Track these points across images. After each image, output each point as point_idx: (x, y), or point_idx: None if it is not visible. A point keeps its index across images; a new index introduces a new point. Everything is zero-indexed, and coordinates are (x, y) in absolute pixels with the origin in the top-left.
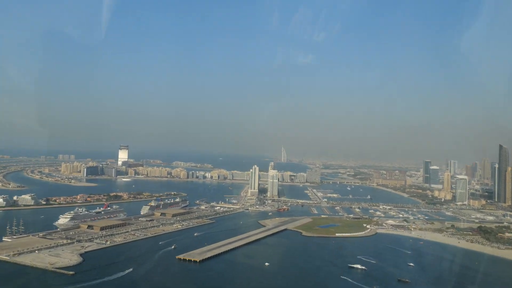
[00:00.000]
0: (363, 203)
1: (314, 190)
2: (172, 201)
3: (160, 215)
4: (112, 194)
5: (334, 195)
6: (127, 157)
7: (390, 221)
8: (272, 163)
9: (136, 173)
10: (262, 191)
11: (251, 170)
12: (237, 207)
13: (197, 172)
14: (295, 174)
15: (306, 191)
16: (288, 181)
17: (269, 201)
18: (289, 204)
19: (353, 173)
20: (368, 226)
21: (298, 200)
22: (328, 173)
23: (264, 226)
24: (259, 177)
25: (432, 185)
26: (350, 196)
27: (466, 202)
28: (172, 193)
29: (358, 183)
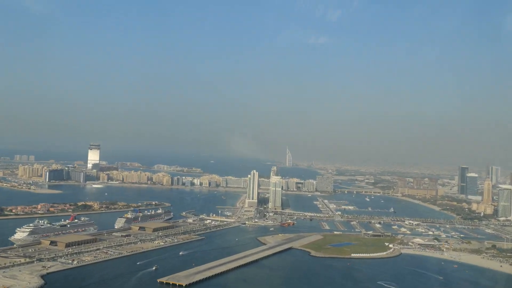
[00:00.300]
0: (385, 217)
1: (326, 201)
2: (153, 212)
3: (139, 230)
4: (80, 203)
5: (350, 207)
6: (98, 158)
7: (418, 240)
8: (274, 168)
9: (110, 178)
10: (262, 201)
11: (249, 176)
12: (232, 220)
13: (184, 177)
14: (302, 181)
15: (315, 202)
16: (294, 189)
17: (271, 214)
18: (295, 217)
19: (373, 181)
20: (390, 246)
21: (306, 213)
22: (343, 181)
23: (265, 244)
24: (259, 185)
25: (469, 197)
26: (369, 209)
27: (510, 218)
28: (153, 203)
29: (379, 193)
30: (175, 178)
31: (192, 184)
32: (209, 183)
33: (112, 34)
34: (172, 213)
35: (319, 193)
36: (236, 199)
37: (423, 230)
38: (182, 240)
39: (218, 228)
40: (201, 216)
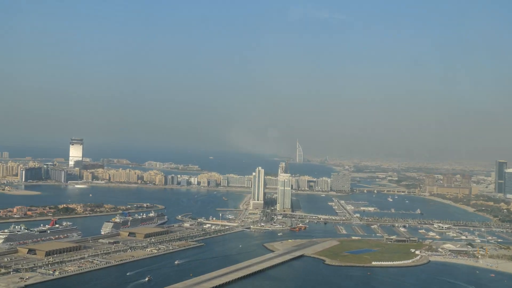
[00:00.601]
0: (411, 219)
1: (342, 202)
2: (144, 216)
3: (128, 236)
4: (61, 206)
5: (370, 208)
6: (81, 155)
7: (449, 245)
8: (283, 164)
9: (94, 177)
10: (269, 202)
11: (253, 173)
12: (235, 224)
13: (179, 176)
14: (315, 179)
15: (330, 203)
16: (306, 188)
17: (279, 217)
18: (307, 221)
19: (396, 178)
20: (417, 252)
21: (319, 216)
22: (362, 178)
23: (272, 251)
24: (265, 184)
25: (508, 196)
26: (392, 210)
27: None
28: (145, 205)
29: (404, 192)
30: (169, 176)
31: (189, 183)
32: (208, 182)
33: (94, 12)
34: (166, 217)
35: (334, 193)
36: (239, 200)
37: (454, 235)
38: (178, 247)
39: (219, 234)
40: (199, 220)
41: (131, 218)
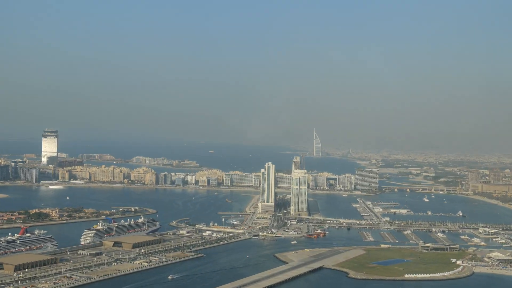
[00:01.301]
0: (451, 223)
1: (369, 203)
2: (132, 222)
3: (113, 246)
4: (33, 211)
5: (402, 211)
6: (56, 150)
7: (496, 254)
8: (297, 159)
9: (72, 176)
10: (282, 204)
11: (262, 170)
12: (240, 231)
13: (173, 174)
14: (336, 176)
15: (354, 205)
16: (325, 187)
17: (293, 222)
18: (327, 226)
19: (433, 174)
20: (459, 262)
21: (341, 220)
22: (392, 175)
23: (285, 262)
24: (276, 182)
25: None
26: (429, 213)
27: None
28: (133, 209)
29: (442, 190)
30: (162, 174)
31: (185, 182)
32: (208, 181)
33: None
34: (158, 223)
35: (359, 193)
36: (245, 202)
37: (503, 241)
38: (172, 259)
39: (222, 242)
40: (197, 226)
41: (116, 225)
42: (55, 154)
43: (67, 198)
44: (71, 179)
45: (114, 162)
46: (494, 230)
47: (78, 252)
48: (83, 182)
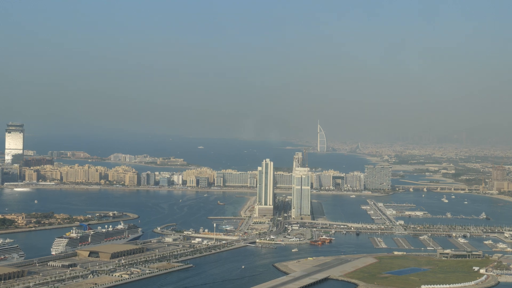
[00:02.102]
0: (473, 227)
1: (380, 205)
2: (110, 228)
3: (89, 256)
4: None
5: (418, 213)
6: (22, 147)
7: None
8: (299, 155)
9: (41, 176)
10: (281, 207)
11: (259, 168)
12: (235, 238)
13: (157, 173)
14: (343, 174)
15: (364, 207)
16: (331, 187)
17: (295, 227)
18: (333, 231)
19: (453, 172)
20: (482, 271)
21: (349, 224)
22: (407, 172)
23: (286, 273)
24: (275, 182)
25: None
26: (448, 215)
27: None
28: (111, 213)
29: (463, 189)
30: (144, 174)
31: (171, 183)
32: (197, 181)
33: None
34: (140, 230)
35: (369, 193)
36: (240, 205)
37: None
38: (157, 270)
39: (213, 251)
40: (186, 233)
41: (92, 232)
42: (20, 152)
43: (35, 202)
44: (40, 180)
45: (89, 161)
46: None
47: (48, 263)
48: (53, 183)
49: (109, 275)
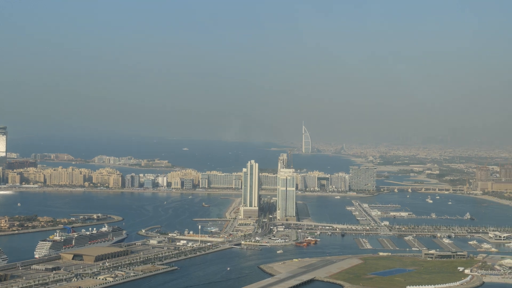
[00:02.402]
0: (457, 227)
1: (365, 206)
2: (94, 231)
3: (73, 259)
4: None
5: (403, 214)
6: (5, 149)
7: (509, 261)
8: (284, 156)
9: (24, 179)
10: (267, 209)
11: (244, 169)
12: (220, 240)
13: (142, 175)
14: (328, 176)
15: (349, 208)
16: (316, 189)
17: (280, 228)
18: (318, 232)
19: (437, 172)
20: (467, 271)
21: (334, 225)
22: (392, 173)
23: (272, 275)
24: (260, 184)
25: None
26: (433, 216)
27: None
28: (95, 216)
29: (448, 190)
30: (128, 176)
31: (156, 185)
32: (182, 183)
33: None
34: (125, 232)
35: (354, 194)
36: (225, 206)
37: None
38: (141, 273)
39: (198, 253)
40: (170, 235)
41: (76, 235)
42: (3, 154)
43: (19, 204)
44: (23, 183)
45: (73, 163)
46: (506, 234)
47: (32, 267)
48: (37, 186)
49: (93, 278)
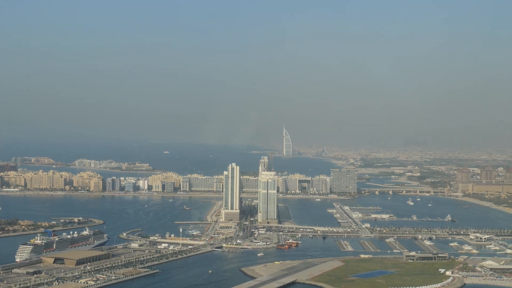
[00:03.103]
0: (438, 229)
1: (346, 208)
2: (75, 235)
3: (54, 263)
4: None
5: (384, 216)
6: None
7: (490, 262)
8: (265, 159)
9: (4, 183)
10: (248, 211)
11: (225, 172)
12: (201, 243)
13: (123, 178)
14: (309, 178)
15: (330, 210)
16: (297, 191)
17: (261, 231)
18: (300, 235)
19: (418, 174)
20: (448, 273)
21: (316, 228)
22: (373, 175)
23: (253, 277)
24: (242, 187)
25: None
26: (414, 218)
27: None
28: (76, 219)
29: (429, 192)
30: (109, 180)
31: (136, 188)
32: (163, 186)
33: None
34: (106, 235)
35: (335, 196)
36: (206, 209)
37: (497, 248)
38: (123, 276)
39: (180, 256)
40: (152, 238)
41: (57, 239)
42: None
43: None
44: (3, 187)
45: (54, 166)
46: (486, 236)
47: (12, 270)
48: (17, 189)
49: (74, 281)
